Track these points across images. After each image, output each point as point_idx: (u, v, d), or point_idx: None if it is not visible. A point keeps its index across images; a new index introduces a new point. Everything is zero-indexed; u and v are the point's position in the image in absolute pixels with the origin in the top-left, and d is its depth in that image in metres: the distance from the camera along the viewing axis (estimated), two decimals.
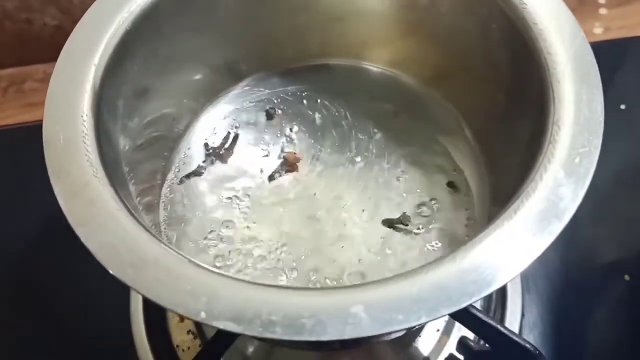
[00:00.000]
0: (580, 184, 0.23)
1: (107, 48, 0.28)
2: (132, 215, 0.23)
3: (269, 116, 0.38)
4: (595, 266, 0.41)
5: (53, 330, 0.39)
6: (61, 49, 0.60)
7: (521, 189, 0.23)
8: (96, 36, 0.28)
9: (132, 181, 0.30)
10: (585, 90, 0.25)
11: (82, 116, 0.26)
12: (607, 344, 0.38)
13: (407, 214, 0.33)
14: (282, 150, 0.37)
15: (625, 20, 0.59)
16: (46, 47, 0.58)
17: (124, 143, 0.30)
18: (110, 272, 0.21)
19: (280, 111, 0.39)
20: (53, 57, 0.60)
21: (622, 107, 0.48)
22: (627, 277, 0.40)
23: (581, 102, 0.25)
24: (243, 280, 0.21)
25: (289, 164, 0.36)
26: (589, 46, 0.26)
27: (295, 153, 0.36)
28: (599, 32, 0.58)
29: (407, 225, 0.33)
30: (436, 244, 0.32)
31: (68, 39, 0.28)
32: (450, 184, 0.34)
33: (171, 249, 0.22)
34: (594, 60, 0.26)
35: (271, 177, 0.36)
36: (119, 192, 0.24)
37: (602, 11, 0.60)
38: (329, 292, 0.21)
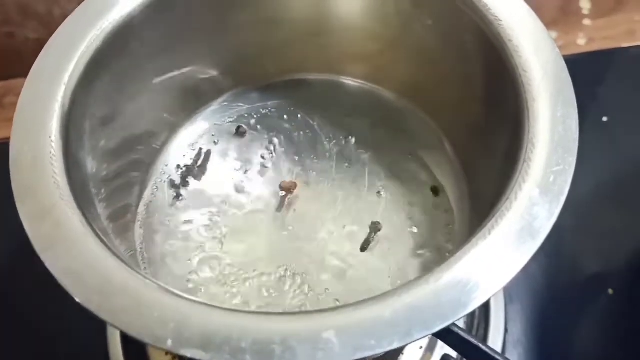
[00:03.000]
0: (555, 203, 0.23)
1: (78, 66, 0.27)
2: (100, 239, 0.23)
3: (240, 134, 0.37)
4: (579, 280, 0.40)
5: (28, 354, 0.38)
6: None
7: (496, 207, 0.23)
8: (67, 54, 0.27)
9: (104, 203, 0.30)
10: (560, 108, 0.25)
11: (49, 137, 0.25)
12: (592, 359, 0.38)
13: (379, 224, 0.33)
14: (262, 166, 0.37)
15: (609, 31, 0.59)
16: (27, 61, 0.57)
17: (94, 163, 0.30)
18: (76, 299, 0.21)
19: (259, 126, 0.38)
20: None
21: (605, 119, 0.48)
22: (610, 291, 0.39)
23: (556, 120, 0.25)
24: (212, 305, 0.21)
25: (286, 190, 0.35)
26: (563, 63, 0.26)
27: (291, 181, 0.35)
28: (582, 43, 0.58)
29: (377, 231, 0.32)
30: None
31: (38, 57, 0.27)
32: (433, 189, 0.34)
33: (140, 274, 0.22)
34: (569, 78, 0.26)
35: (243, 192, 0.36)
36: (86, 215, 0.23)
37: (586, 22, 0.60)
38: (300, 317, 0.21)
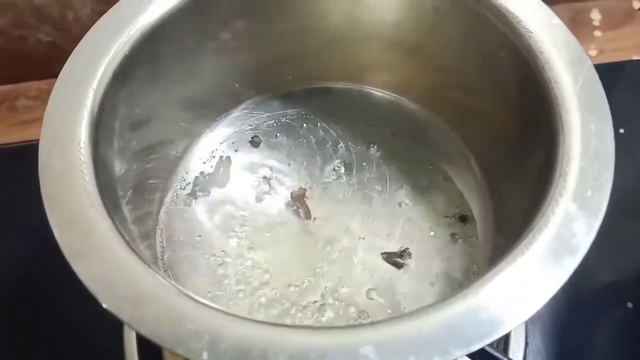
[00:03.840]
0: (593, 218, 0.22)
1: (106, 72, 0.27)
2: (130, 247, 0.22)
3: (255, 144, 0.37)
4: (598, 293, 0.40)
5: (44, 353, 0.37)
6: (55, 65, 0.59)
7: (532, 223, 0.23)
8: (95, 60, 0.27)
9: (129, 206, 0.30)
10: (594, 121, 0.25)
11: (79, 143, 0.25)
12: None
13: (408, 250, 0.32)
14: (282, 175, 0.36)
15: (619, 42, 0.59)
16: (40, 64, 0.57)
17: (120, 168, 0.30)
18: (106, 307, 0.20)
19: (279, 134, 0.38)
20: (47, 74, 0.58)
21: (621, 131, 0.48)
22: (630, 305, 0.39)
23: (590, 133, 0.24)
24: (247, 319, 0.20)
25: (297, 200, 0.35)
26: (596, 75, 0.26)
27: (302, 188, 0.35)
28: (593, 54, 0.58)
29: (406, 258, 0.32)
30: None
31: (66, 62, 0.27)
32: (460, 217, 0.34)
33: (171, 283, 0.21)
34: (603, 91, 0.26)
35: (263, 201, 0.35)
36: (116, 223, 0.23)
37: (597, 33, 0.60)
38: (338, 332, 0.20)
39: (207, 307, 0.21)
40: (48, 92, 0.57)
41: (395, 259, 0.32)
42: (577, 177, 0.23)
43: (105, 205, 0.23)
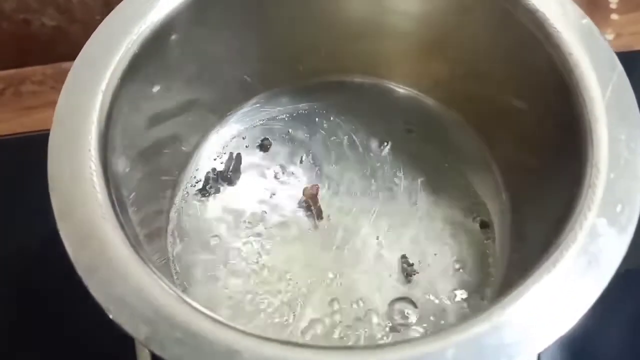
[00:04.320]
0: (623, 234, 0.21)
1: (115, 73, 0.26)
2: (145, 262, 0.22)
3: (264, 148, 0.36)
4: (613, 286, 0.39)
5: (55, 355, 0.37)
6: (59, 49, 0.57)
7: (559, 238, 0.22)
8: (103, 61, 0.26)
9: (135, 207, 0.29)
10: (625, 130, 0.24)
11: (89, 150, 0.24)
12: None
13: (414, 268, 0.32)
14: (294, 171, 0.35)
15: (637, 26, 0.58)
16: (44, 48, 0.56)
17: (127, 166, 0.29)
18: (123, 327, 0.20)
19: (291, 130, 0.37)
20: (51, 58, 0.57)
21: None
22: None
23: (620, 143, 0.23)
24: (267, 338, 0.20)
25: (309, 198, 0.34)
26: (627, 81, 0.25)
27: (314, 186, 0.34)
28: (610, 37, 0.57)
29: (413, 274, 0.31)
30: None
31: (73, 64, 0.26)
32: (479, 220, 0.33)
33: (187, 302, 0.21)
34: (634, 97, 0.24)
35: (275, 197, 0.35)
36: (129, 235, 0.22)
37: (614, 17, 0.59)
38: (358, 352, 0.20)
39: (224, 326, 0.20)
40: (53, 76, 0.57)
41: (408, 269, 0.31)
42: (606, 190, 0.22)
43: (117, 216, 0.23)
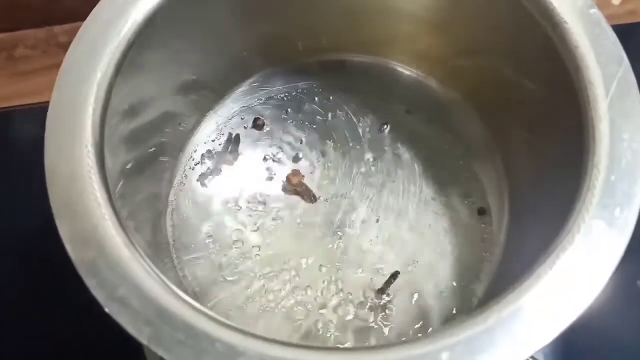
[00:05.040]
0: (621, 238, 0.22)
1: (111, 62, 0.25)
2: (146, 261, 0.22)
3: (257, 127, 0.36)
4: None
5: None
6: (53, 12, 0.55)
7: (557, 240, 0.22)
8: (97, 50, 0.25)
9: (133, 190, 0.29)
10: (628, 129, 0.23)
11: (86, 146, 0.24)
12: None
13: (397, 274, 0.31)
14: (291, 156, 0.35)
15: None
16: (37, 11, 0.54)
17: (124, 148, 0.29)
18: (127, 329, 0.20)
19: (289, 109, 0.36)
20: (44, 22, 0.56)
21: None
22: (639, 283, 0.39)
23: (622, 143, 0.23)
24: (270, 339, 0.20)
25: (295, 186, 0.34)
26: (633, 76, 0.24)
27: (297, 173, 0.34)
28: (617, 2, 0.55)
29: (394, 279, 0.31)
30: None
31: (66, 54, 0.25)
32: (477, 207, 0.33)
33: (189, 302, 0.21)
34: (638, 94, 0.24)
35: (272, 179, 0.34)
36: (129, 235, 0.22)
37: None
38: (359, 353, 0.20)
39: (227, 326, 0.21)
40: (46, 40, 0.55)
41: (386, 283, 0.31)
42: (606, 192, 0.22)
43: (116, 215, 0.23)
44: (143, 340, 0.20)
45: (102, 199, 0.23)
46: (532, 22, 0.27)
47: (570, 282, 0.21)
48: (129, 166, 0.29)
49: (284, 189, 0.34)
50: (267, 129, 0.36)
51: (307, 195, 0.34)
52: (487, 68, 0.32)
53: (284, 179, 0.34)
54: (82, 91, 0.25)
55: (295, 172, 0.34)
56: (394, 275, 0.31)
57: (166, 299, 0.21)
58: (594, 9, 0.26)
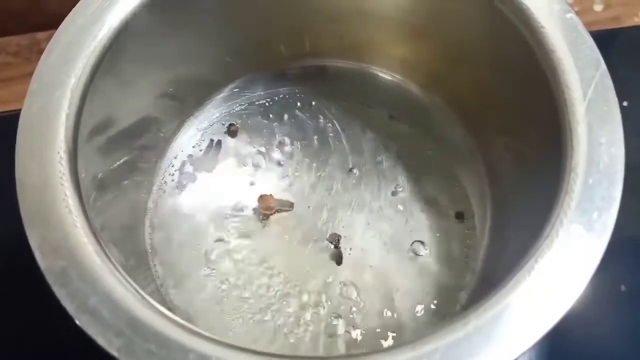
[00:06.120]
0: (599, 242, 0.21)
1: (85, 68, 0.25)
2: (118, 270, 0.21)
3: (232, 134, 0.35)
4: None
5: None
6: (34, 20, 0.55)
7: (536, 244, 0.22)
8: (72, 55, 0.25)
9: (110, 198, 0.28)
10: (606, 133, 0.23)
11: (58, 153, 0.23)
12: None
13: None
14: (273, 158, 0.35)
15: None
16: (19, 18, 0.54)
17: (101, 155, 0.28)
18: (96, 340, 0.20)
19: (271, 115, 0.36)
20: (26, 29, 0.55)
21: (625, 104, 0.46)
22: (623, 288, 0.39)
23: (600, 147, 0.23)
24: (245, 349, 0.20)
25: (263, 213, 0.33)
26: (610, 81, 0.24)
27: (264, 199, 0.33)
28: (599, 9, 0.56)
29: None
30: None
31: (40, 60, 0.25)
32: (457, 212, 0.33)
33: (161, 312, 0.21)
34: (616, 99, 0.24)
35: (253, 186, 0.34)
36: (101, 243, 0.22)
37: None
38: None
39: (202, 337, 0.20)
40: (28, 47, 0.55)
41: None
42: (583, 196, 0.22)
43: (88, 223, 0.22)
44: (113, 351, 0.20)
45: (73, 206, 0.22)
46: (510, 28, 0.27)
47: (549, 287, 0.21)
48: (105, 173, 0.28)
49: (258, 216, 0.33)
50: (246, 134, 0.36)
51: (284, 207, 0.33)
52: (467, 73, 0.32)
53: (254, 207, 0.33)
54: (55, 97, 0.24)
55: (263, 198, 0.33)
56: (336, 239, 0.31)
57: (138, 309, 0.21)
58: (570, 14, 0.26)
